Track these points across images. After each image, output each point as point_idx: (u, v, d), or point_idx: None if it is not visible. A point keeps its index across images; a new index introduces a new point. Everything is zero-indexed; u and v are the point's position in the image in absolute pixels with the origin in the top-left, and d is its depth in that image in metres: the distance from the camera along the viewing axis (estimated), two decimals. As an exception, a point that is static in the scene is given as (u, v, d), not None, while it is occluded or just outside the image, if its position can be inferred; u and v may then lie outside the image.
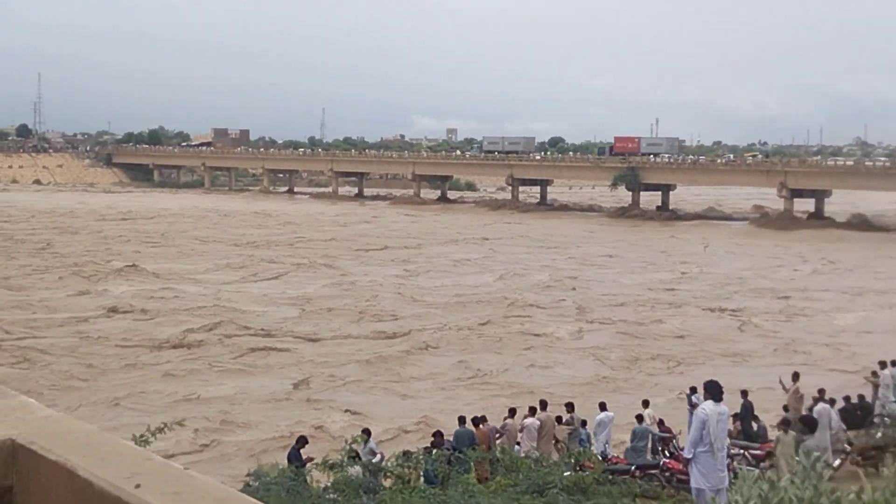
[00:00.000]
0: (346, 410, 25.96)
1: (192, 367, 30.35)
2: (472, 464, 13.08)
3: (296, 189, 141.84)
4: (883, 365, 24.64)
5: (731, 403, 17.52)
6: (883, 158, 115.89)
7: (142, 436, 9.63)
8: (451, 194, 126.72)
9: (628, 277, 53.61)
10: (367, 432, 16.76)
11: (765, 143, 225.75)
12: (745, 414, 21.30)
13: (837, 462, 18.93)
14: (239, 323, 37.01)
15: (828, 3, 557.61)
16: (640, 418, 19.69)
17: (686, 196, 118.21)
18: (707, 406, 12.02)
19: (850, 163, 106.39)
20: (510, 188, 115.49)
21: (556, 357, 33.26)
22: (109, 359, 31.00)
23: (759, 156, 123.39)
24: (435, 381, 29.66)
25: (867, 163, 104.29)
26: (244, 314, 38.95)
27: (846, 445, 19.91)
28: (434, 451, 15.60)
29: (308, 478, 12.88)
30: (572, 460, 13.46)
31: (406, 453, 13.52)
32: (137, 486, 2.01)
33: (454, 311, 40.75)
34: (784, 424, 17.92)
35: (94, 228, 77.52)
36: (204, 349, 32.78)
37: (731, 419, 17.44)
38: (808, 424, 17.29)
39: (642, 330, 37.93)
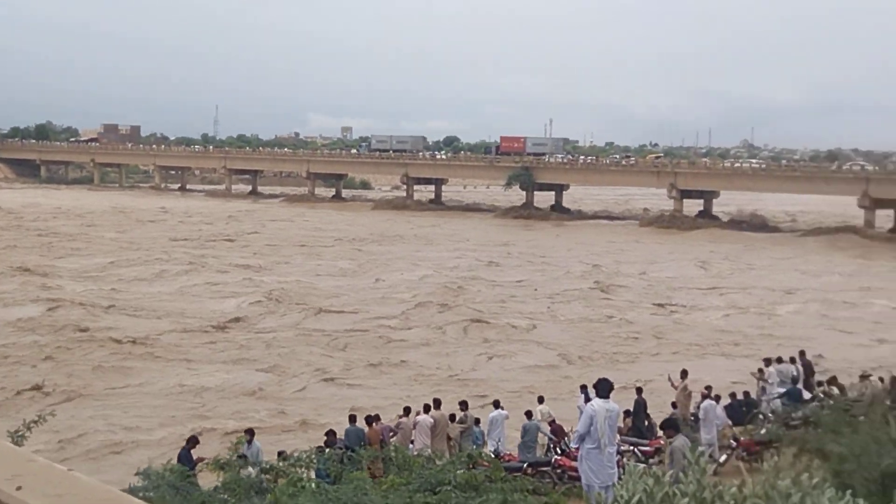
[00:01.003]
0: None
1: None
2: (363, 462, 13.03)
3: (189, 186, 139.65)
4: (768, 362, 25.35)
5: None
6: (754, 161, 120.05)
7: (17, 430, 9.37)
8: (346, 193, 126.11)
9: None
10: (250, 433, 16.60)
11: (656, 145, 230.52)
12: (639, 410, 21.66)
13: (724, 458, 19.36)
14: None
15: (721, 8, 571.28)
16: (529, 414, 19.82)
17: (582, 196, 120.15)
18: (596, 402, 12.15)
19: (737, 164, 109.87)
20: (405, 187, 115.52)
21: (511, 348, 34.46)
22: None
23: (668, 157, 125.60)
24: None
25: (746, 164, 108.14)
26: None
27: (732, 441, 20.36)
28: (327, 450, 15.52)
29: (197, 478, 12.67)
30: (465, 458, 13.48)
31: (281, 454, 13.46)
32: (18, 488, 1.95)
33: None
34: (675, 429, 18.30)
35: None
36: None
37: (622, 416, 17.71)
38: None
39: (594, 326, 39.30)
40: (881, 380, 24.24)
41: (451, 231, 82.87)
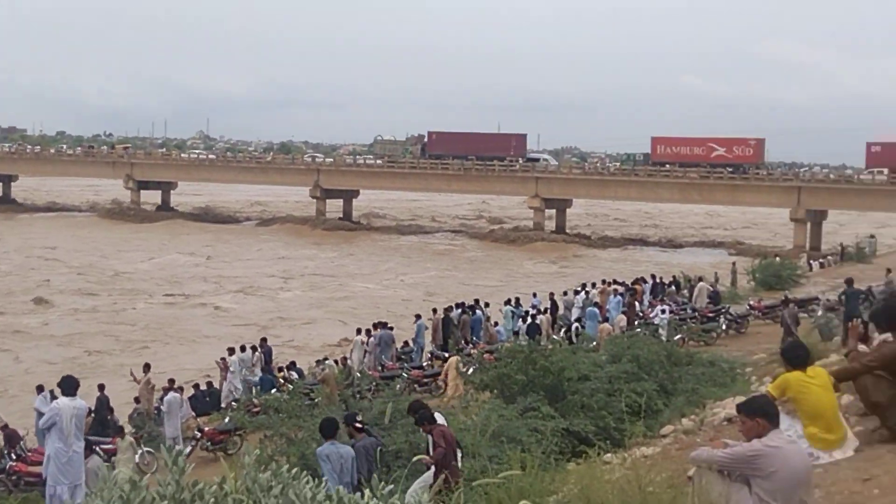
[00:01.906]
0: None
1: None
2: None
3: None
4: (231, 351, 25.78)
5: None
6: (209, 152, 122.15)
7: None
8: None
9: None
10: None
11: (110, 135, 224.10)
12: (100, 407, 20.97)
13: (188, 449, 19.29)
14: None
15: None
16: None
17: (35, 187, 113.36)
18: (62, 400, 11.60)
19: (194, 155, 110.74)
20: None
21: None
22: None
23: (131, 147, 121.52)
24: None
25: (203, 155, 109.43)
26: None
27: (197, 432, 20.42)
28: None
29: None
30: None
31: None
32: None
33: None
34: (121, 432, 18.10)
35: None
36: None
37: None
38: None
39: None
40: (336, 362, 25.76)
41: None
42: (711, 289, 33.20)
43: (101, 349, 34.49)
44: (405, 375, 24.61)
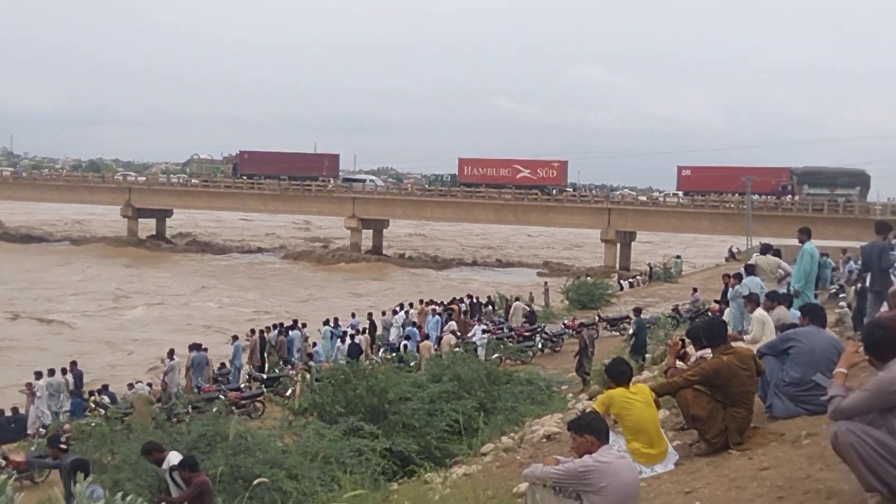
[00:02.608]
0: None
1: None
2: None
3: None
4: (39, 375, 24.60)
5: None
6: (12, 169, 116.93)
7: None
8: None
9: None
10: None
11: None
12: None
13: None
14: None
15: None
16: None
17: None
18: None
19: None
20: None
21: None
22: None
23: None
24: None
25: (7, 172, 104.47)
26: None
27: (1, 460, 19.36)
28: None
29: None
30: None
31: None
32: None
33: None
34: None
35: None
36: None
37: None
38: None
39: None
40: (150, 385, 24.97)
41: None
42: (527, 308, 33.79)
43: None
44: (223, 398, 24.02)
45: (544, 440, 13.74)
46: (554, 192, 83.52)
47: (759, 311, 11.63)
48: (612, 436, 6.32)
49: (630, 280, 56.51)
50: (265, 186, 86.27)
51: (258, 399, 24.33)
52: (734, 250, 71.30)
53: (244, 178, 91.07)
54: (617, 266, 72.39)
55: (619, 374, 7.04)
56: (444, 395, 16.69)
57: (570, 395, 19.53)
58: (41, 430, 22.08)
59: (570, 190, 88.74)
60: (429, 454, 14.30)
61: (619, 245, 75.38)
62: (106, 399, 24.29)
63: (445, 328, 30.91)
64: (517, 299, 38.02)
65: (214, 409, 23.54)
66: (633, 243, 78.56)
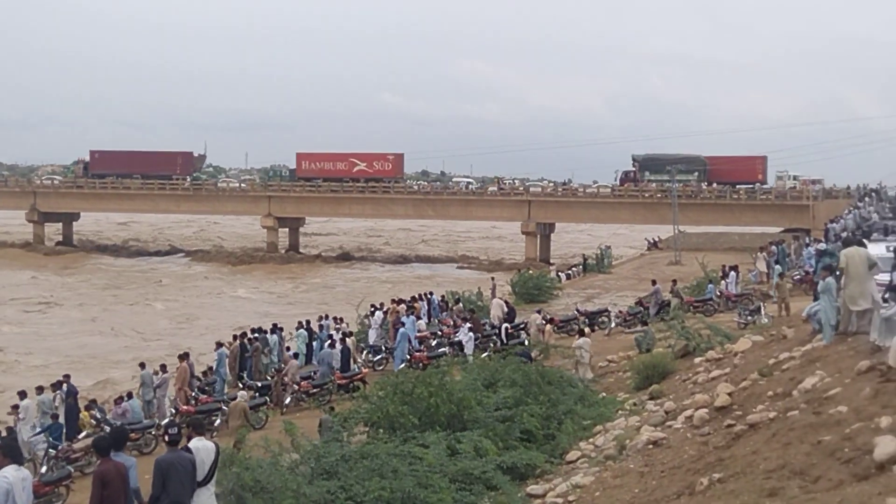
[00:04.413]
0: None
1: None
2: None
3: None
4: (23, 395, 23.18)
5: None
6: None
7: None
8: None
9: None
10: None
11: None
12: None
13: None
14: None
15: None
16: None
17: None
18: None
19: None
20: None
21: None
22: None
23: None
24: None
25: None
26: None
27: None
28: None
29: None
30: None
31: None
32: None
33: None
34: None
35: None
36: None
37: None
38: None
39: None
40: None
41: None
42: (506, 305, 33.17)
43: None
44: (224, 409, 23.11)
45: (651, 447, 13.42)
46: (391, 183, 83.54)
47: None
48: None
49: (567, 272, 56.67)
50: (178, 187, 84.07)
51: (259, 408, 23.49)
52: (655, 239, 72.35)
53: (95, 177, 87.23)
54: (537, 258, 72.70)
55: None
56: (508, 400, 16.24)
57: (622, 394, 19.26)
58: (50, 451, 20.68)
59: (406, 182, 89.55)
60: (510, 467, 13.78)
61: (538, 237, 75.66)
62: (98, 413, 23.10)
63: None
64: (494, 296, 37.63)
65: (217, 422, 22.74)
66: (551, 235, 79.03)
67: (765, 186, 78.06)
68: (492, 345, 28.64)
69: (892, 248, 21.85)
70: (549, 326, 28.87)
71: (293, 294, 59.03)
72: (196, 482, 10.11)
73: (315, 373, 26.90)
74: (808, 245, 38.01)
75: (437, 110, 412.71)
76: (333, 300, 51.57)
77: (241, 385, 26.44)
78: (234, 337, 29.41)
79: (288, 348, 30.52)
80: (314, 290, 59.72)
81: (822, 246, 30.32)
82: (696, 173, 76.27)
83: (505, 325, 30.22)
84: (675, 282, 34.77)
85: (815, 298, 16.11)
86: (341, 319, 33.23)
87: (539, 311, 31.90)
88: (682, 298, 31.95)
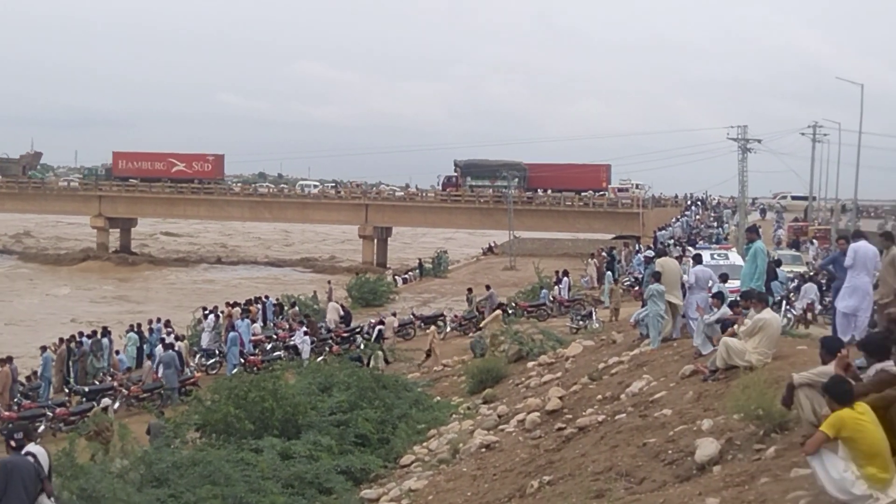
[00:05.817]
0: None
1: None
2: None
3: None
4: None
5: None
6: None
7: None
8: None
9: None
10: None
11: None
12: None
13: None
14: None
15: None
16: None
17: None
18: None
19: None
20: None
21: None
22: None
23: None
24: None
25: None
26: None
27: None
28: None
29: None
30: None
31: None
32: None
33: None
34: None
35: None
36: None
37: None
38: None
39: None
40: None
41: None
42: (341, 309, 33.06)
43: None
44: (49, 414, 22.22)
45: (483, 450, 13.56)
46: (212, 184, 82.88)
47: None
48: (841, 463, 6.23)
49: (404, 276, 56.87)
50: (1, 186, 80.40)
51: (86, 414, 22.65)
52: (491, 244, 73.35)
53: None
54: (374, 261, 72.75)
55: (842, 394, 6.57)
56: (343, 404, 16.19)
57: (456, 398, 19.40)
58: None
59: (229, 184, 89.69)
60: (344, 471, 13.75)
61: (375, 240, 75.70)
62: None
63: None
64: (331, 300, 37.37)
65: (41, 428, 21.81)
66: (388, 238, 79.16)
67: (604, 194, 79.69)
68: (327, 349, 28.51)
69: (715, 256, 22.83)
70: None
71: (128, 296, 57.35)
72: (39, 488, 9.63)
73: (157, 374, 26.16)
74: (637, 252, 39.24)
75: (277, 112, 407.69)
76: (166, 303, 50.32)
77: (66, 390, 25.48)
78: (61, 340, 28.26)
79: (117, 352, 29.56)
80: (147, 292, 58.17)
81: (651, 253, 31.33)
82: (516, 179, 77.11)
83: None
84: (469, 290, 36.04)
85: (644, 304, 16.66)
86: (168, 322, 32.30)
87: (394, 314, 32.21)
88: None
